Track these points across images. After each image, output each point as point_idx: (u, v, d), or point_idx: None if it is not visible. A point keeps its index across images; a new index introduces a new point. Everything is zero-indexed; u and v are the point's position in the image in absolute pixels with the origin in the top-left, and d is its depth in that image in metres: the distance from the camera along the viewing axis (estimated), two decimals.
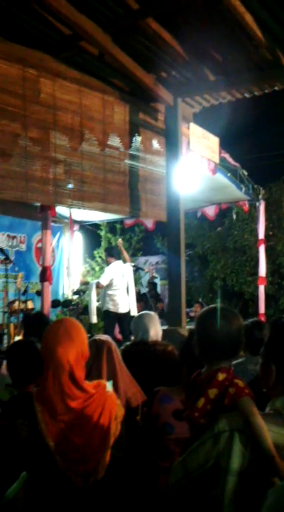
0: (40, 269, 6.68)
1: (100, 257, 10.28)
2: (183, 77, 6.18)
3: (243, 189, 8.20)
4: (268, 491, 1.59)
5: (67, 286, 9.67)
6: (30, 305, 7.35)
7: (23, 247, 9.05)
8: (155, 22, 5.08)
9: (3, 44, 4.69)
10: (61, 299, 9.02)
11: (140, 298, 9.86)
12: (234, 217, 10.78)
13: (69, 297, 8.96)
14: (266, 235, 9.17)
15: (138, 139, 6.32)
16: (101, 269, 9.29)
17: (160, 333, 3.57)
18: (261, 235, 8.85)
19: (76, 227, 9.98)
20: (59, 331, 1.91)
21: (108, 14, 4.95)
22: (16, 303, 7.08)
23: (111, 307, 7.27)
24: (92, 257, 10.85)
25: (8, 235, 8.75)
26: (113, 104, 5.94)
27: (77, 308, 8.27)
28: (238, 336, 1.86)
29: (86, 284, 8.29)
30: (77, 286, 8.99)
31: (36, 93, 5.00)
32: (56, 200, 5.37)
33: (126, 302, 7.37)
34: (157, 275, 13.25)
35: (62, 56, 5.30)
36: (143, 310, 4.75)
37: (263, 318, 8.09)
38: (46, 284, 5.79)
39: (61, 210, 8.55)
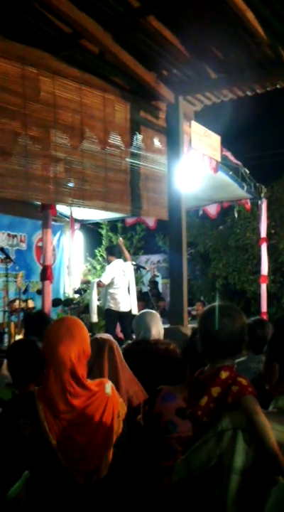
0: (40, 268, 6.67)
1: (101, 255, 10.27)
2: (184, 75, 6.16)
3: (245, 187, 8.18)
4: (271, 490, 1.58)
5: (68, 285, 9.67)
6: (30, 304, 7.35)
7: (24, 246, 9.04)
8: (156, 20, 5.05)
9: (3, 42, 4.67)
10: (62, 297, 9.02)
11: (142, 297, 9.84)
12: (236, 215, 10.75)
13: (70, 296, 8.95)
14: (268, 234, 9.16)
15: (139, 137, 6.30)
16: (102, 267, 9.27)
17: (162, 332, 3.57)
18: (263, 233, 8.84)
19: (77, 225, 9.98)
20: (61, 329, 1.91)
21: (109, 12, 4.93)
22: (17, 302, 7.08)
23: (112, 306, 7.26)
24: (93, 256, 10.84)
25: (9, 234, 8.74)
26: (113, 102, 5.92)
27: (78, 307, 8.26)
28: (241, 333, 1.85)
29: (87, 283, 8.28)
30: (78, 285, 8.98)
31: (36, 91, 4.98)
32: (57, 198, 5.36)
33: (127, 301, 7.37)
34: (158, 274, 13.24)
35: (63, 54, 5.27)
36: (145, 309, 4.73)
37: (265, 317, 8.07)
38: (47, 282, 5.77)
39: (62, 208, 8.55)
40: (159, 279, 13.02)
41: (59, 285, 9.58)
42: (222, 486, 1.62)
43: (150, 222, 9.17)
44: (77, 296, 8.65)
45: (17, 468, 1.81)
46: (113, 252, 7.57)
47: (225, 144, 7.05)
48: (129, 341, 4.69)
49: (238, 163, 7.85)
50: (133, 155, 6.25)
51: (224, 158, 7.18)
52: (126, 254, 7.80)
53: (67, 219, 9.63)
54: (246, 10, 4.73)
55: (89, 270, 10.20)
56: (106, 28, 5.02)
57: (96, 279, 7.66)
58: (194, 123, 6.41)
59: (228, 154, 7.54)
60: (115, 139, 5.95)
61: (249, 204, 9.09)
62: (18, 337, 6.21)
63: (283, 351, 1.72)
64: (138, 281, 10.82)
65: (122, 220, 10.11)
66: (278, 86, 6.17)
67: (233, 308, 1.92)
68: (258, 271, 9.23)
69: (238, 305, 11.38)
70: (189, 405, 1.82)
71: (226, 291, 12.98)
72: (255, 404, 1.66)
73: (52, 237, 7.40)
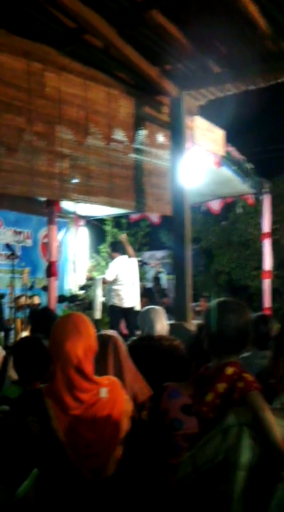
0: (46, 264, 6.69)
1: (106, 251, 10.27)
2: (188, 70, 6.13)
3: (248, 182, 8.15)
4: (277, 485, 1.59)
5: (73, 281, 9.68)
6: (36, 300, 7.36)
7: (29, 242, 9.05)
8: (160, 14, 5.03)
9: (8, 38, 4.67)
10: (67, 294, 9.03)
11: (146, 293, 9.85)
12: (239, 211, 10.71)
13: (75, 292, 8.96)
14: (271, 229, 9.12)
15: (143, 132, 6.29)
16: (107, 264, 9.28)
17: (166, 328, 3.56)
18: (266, 228, 8.80)
19: (81, 222, 9.98)
20: (68, 325, 1.90)
21: (113, 6, 4.90)
22: (23, 298, 7.09)
23: (116, 302, 7.27)
24: (98, 252, 10.84)
25: (15, 231, 8.75)
26: (118, 97, 5.91)
27: (83, 303, 8.27)
28: (246, 329, 1.85)
29: (91, 279, 8.29)
30: (83, 282, 8.99)
31: (41, 87, 4.98)
32: (62, 194, 5.36)
33: (131, 297, 7.37)
34: (162, 270, 13.23)
35: (67, 49, 5.26)
36: (149, 305, 4.74)
37: (268, 312, 8.06)
38: (52, 279, 5.79)
39: (66, 205, 8.54)
40: (163, 275, 13.00)
41: (64, 281, 9.59)
42: (228, 482, 1.62)
43: (155, 218, 9.15)
44: (82, 292, 8.67)
45: (26, 466, 1.81)
46: (117, 248, 7.57)
47: (228, 138, 7.02)
48: (134, 337, 4.69)
49: (241, 157, 7.82)
50: (137, 150, 6.24)
51: (227, 153, 7.15)
52: (130, 250, 7.80)
53: (72, 215, 9.63)
54: (249, 4, 4.71)
55: (94, 266, 10.20)
56: (111, 22, 5.00)
57: (101, 276, 7.66)
58: (197, 118, 6.38)
59: (232, 149, 7.51)
60: (119, 135, 5.94)
61: (252, 199, 9.06)
62: (24, 333, 6.23)
63: None
64: (142, 277, 10.83)
65: (126, 216, 10.10)
66: (281, 80, 6.13)
67: (238, 303, 1.91)
68: (261, 266, 9.20)
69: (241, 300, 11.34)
70: (194, 402, 1.83)
71: (230, 287, 12.98)
72: (261, 400, 1.66)
73: (57, 233, 7.43)
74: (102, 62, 5.68)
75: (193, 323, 6.03)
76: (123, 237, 8.38)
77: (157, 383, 2.68)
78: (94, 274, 9.18)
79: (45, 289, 6.82)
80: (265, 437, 1.60)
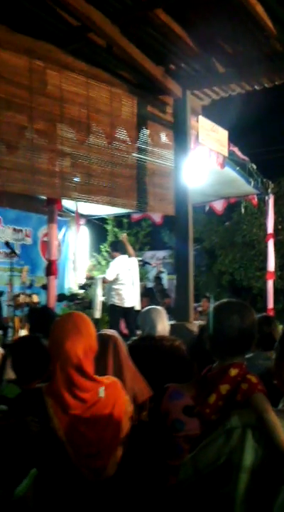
0: (45, 262, 6.67)
1: (106, 251, 10.26)
2: (192, 69, 6.10)
3: (252, 183, 8.13)
4: (280, 488, 1.56)
5: (73, 280, 9.67)
6: (35, 299, 7.34)
7: (29, 240, 9.04)
8: (164, 13, 5.00)
9: (11, 35, 4.64)
10: (67, 293, 9.02)
11: (147, 293, 9.83)
12: (243, 211, 10.69)
13: (75, 291, 8.95)
14: (275, 230, 9.11)
15: (145, 132, 6.26)
16: (108, 263, 9.27)
17: (168, 328, 3.54)
18: (270, 229, 8.79)
19: (82, 221, 9.97)
20: (68, 324, 1.89)
21: (117, 5, 4.88)
22: (21, 296, 7.08)
23: (116, 301, 7.25)
24: (98, 252, 10.83)
25: (14, 229, 8.74)
26: (121, 96, 5.88)
27: (82, 302, 8.26)
28: (251, 330, 1.82)
29: (91, 278, 8.27)
30: (82, 281, 8.97)
31: (43, 85, 4.95)
32: (62, 193, 5.33)
33: (131, 296, 7.36)
34: (164, 270, 13.20)
35: (70, 48, 5.23)
36: (150, 305, 4.71)
37: (271, 313, 8.04)
38: (52, 277, 5.78)
39: (67, 203, 8.53)
40: (164, 275, 12.98)
41: (64, 280, 9.58)
42: (231, 485, 1.61)
43: (157, 217, 9.13)
44: (81, 291, 8.65)
45: (24, 466, 1.79)
46: (118, 247, 7.56)
47: (232, 139, 7.00)
48: (134, 337, 4.67)
49: (245, 158, 7.80)
50: (140, 150, 6.21)
51: (230, 153, 7.13)
52: (130, 250, 7.78)
53: (73, 214, 9.62)
54: (256, 3, 4.68)
55: (94, 265, 10.19)
56: (114, 21, 4.97)
57: (101, 276, 7.64)
58: (201, 118, 6.36)
59: (236, 149, 7.49)
60: (122, 134, 5.91)
61: (256, 200, 9.04)
62: (22, 332, 6.21)
63: None
64: (144, 277, 10.80)
65: (128, 216, 10.08)
66: None
67: (242, 304, 1.89)
68: (265, 267, 9.19)
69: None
70: (197, 403, 1.80)
71: (232, 288, 12.95)
72: (265, 402, 1.64)
73: (57, 232, 7.41)
74: (105, 60, 5.65)
75: (195, 324, 6.00)
76: (123, 236, 8.36)
77: (157, 384, 2.66)
78: (94, 273, 9.17)
79: (45, 287, 6.80)
80: (269, 439, 1.58)
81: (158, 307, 3.73)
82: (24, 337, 3.02)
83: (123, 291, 7.26)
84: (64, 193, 5.35)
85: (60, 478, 1.78)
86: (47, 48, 4.98)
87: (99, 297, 7.45)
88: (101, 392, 1.88)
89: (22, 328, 6.46)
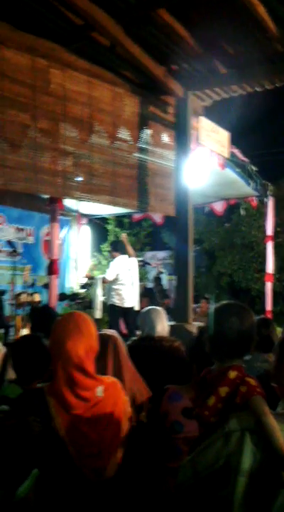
0: (47, 262, 6.67)
1: (107, 251, 10.26)
2: (194, 70, 6.10)
3: (252, 185, 8.13)
4: (279, 491, 1.57)
5: (74, 279, 9.67)
6: (37, 298, 7.35)
7: (31, 239, 9.04)
8: (167, 13, 5.00)
9: (14, 33, 4.64)
10: (68, 292, 9.02)
11: (147, 293, 9.83)
12: (242, 213, 10.69)
13: (76, 291, 8.95)
14: (274, 232, 9.10)
15: (147, 132, 6.26)
16: (109, 263, 9.27)
17: (167, 329, 3.54)
18: (269, 231, 8.78)
19: (84, 220, 9.97)
20: (69, 324, 1.89)
21: (120, 4, 4.88)
22: (23, 295, 7.08)
23: (116, 302, 7.24)
24: (100, 251, 10.83)
25: (17, 228, 8.74)
26: (123, 96, 5.88)
27: (83, 302, 8.26)
28: (250, 333, 1.82)
29: (91, 278, 8.27)
30: (84, 280, 8.98)
31: (46, 83, 4.95)
32: (64, 192, 5.33)
33: (131, 297, 7.35)
34: (164, 270, 13.20)
35: (73, 46, 5.23)
36: (149, 305, 4.71)
37: (269, 316, 8.04)
38: (53, 277, 5.77)
39: (69, 203, 8.53)
40: (164, 276, 12.99)
41: (65, 280, 9.58)
42: (229, 488, 1.61)
43: (157, 218, 9.13)
44: (82, 291, 8.65)
45: (26, 466, 1.79)
46: (118, 247, 7.55)
47: (232, 140, 7.00)
48: (134, 337, 4.67)
49: (246, 160, 7.80)
50: (141, 150, 6.21)
51: (231, 154, 7.13)
52: (130, 250, 7.78)
53: (75, 213, 9.62)
54: (258, 5, 4.67)
55: (95, 265, 10.19)
56: (118, 20, 4.97)
57: (101, 276, 7.64)
58: (202, 118, 6.35)
59: (236, 151, 7.49)
60: (123, 134, 5.91)
61: (255, 201, 9.04)
62: (24, 331, 6.21)
63: None
64: (143, 277, 10.80)
65: (129, 216, 10.08)
66: None
67: (242, 307, 1.89)
68: (264, 269, 9.18)
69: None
70: (196, 405, 1.80)
71: (231, 289, 12.95)
72: (263, 405, 1.64)
73: (59, 231, 7.41)
74: (108, 60, 5.65)
75: (194, 325, 6.00)
76: (123, 236, 8.37)
77: (156, 384, 2.66)
78: (95, 273, 9.17)
79: (46, 286, 6.80)
80: (267, 442, 1.58)
81: (158, 308, 3.72)
82: (25, 336, 3.02)
83: (123, 292, 7.26)
84: (67, 192, 5.35)
85: (62, 478, 1.78)
86: (50, 46, 4.98)
87: (99, 297, 7.44)
88: (100, 391, 1.88)
89: (23, 327, 6.46)
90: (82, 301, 8.26)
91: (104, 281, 7.33)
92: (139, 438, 2.26)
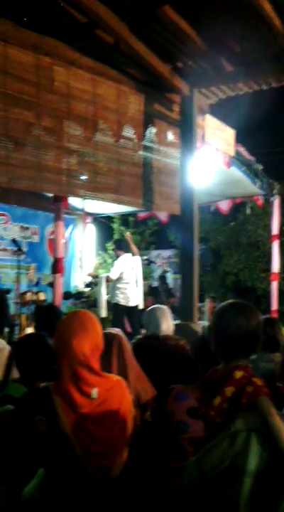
0: (52, 260, 6.66)
1: (112, 249, 10.25)
2: (200, 68, 6.06)
3: (258, 183, 8.09)
4: None
5: (79, 278, 9.67)
6: (41, 296, 7.34)
7: (36, 238, 9.05)
8: (172, 10, 4.96)
9: (18, 31, 4.62)
10: (73, 291, 9.01)
11: (152, 292, 9.81)
12: (248, 211, 10.64)
13: (81, 289, 8.94)
14: (280, 231, 9.05)
15: (152, 130, 6.23)
16: (113, 262, 9.27)
17: (172, 328, 3.53)
18: (275, 230, 8.74)
19: (89, 219, 9.96)
20: (74, 322, 1.89)
21: (125, 2, 4.85)
22: (28, 294, 7.08)
23: (121, 300, 7.23)
24: (105, 250, 10.82)
25: (22, 227, 8.75)
26: (128, 94, 5.85)
27: (88, 300, 8.25)
28: (256, 332, 1.80)
29: (95, 277, 8.26)
30: (88, 279, 8.97)
31: (50, 81, 4.93)
32: (69, 190, 5.31)
33: (135, 295, 7.34)
34: (169, 269, 13.17)
35: (77, 44, 5.21)
36: (155, 304, 4.69)
37: (275, 315, 8.00)
38: (58, 275, 5.76)
39: (74, 201, 8.52)
40: (169, 274, 12.96)
41: (70, 278, 9.58)
42: (235, 489, 1.59)
43: (163, 216, 9.11)
44: (87, 289, 8.65)
45: (32, 466, 1.78)
46: (121, 246, 7.54)
47: (238, 139, 6.96)
48: (139, 336, 4.65)
49: (252, 158, 7.76)
50: (146, 148, 6.18)
51: (237, 153, 7.09)
52: (134, 248, 7.77)
53: (80, 212, 9.61)
54: (264, 1, 4.63)
55: (101, 264, 10.18)
56: (122, 17, 4.94)
57: (105, 274, 7.63)
58: (208, 116, 6.32)
59: (242, 149, 7.45)
60: (128, 132, 5.88)
61: (261, 200, 8.99)
62: (29, 329, 6.21)
63: None
64: (148, 276, 10.78)
65: (134, 215, 10.06)
66: None
67: (248, 306, 1.87)
68: (269, 268, 9.14)
69: None
70: (201, 405, 1.78)
71: (237, 288, 12.88)
72: (270, 406, 1.62)
73: (64, 230, 7.40)
74: (112, 57, 5.62)
75: (199, 324, 5.97)
76: (127, 235, 8.35)
77: (161, 383, 2.64)
78: (100, 271, 9.16)
79: (51, 285, 6.79)
80: (274, 443, 1.56)
81: (163, 306, 3.72)
82: (28, 335, 3.01)
83: (127, 290, 7.24)
84: (71, 190, 5.33)
85: (68, 477, 1.77)
86: (54, 44, 4.96)
87: (104, 296, 7.43)
88: (94, 393, 1.87)
89: (28, 325, 6.46)
90: (86, 300, 8.25)
91: (108, 279, 7.31)
92: (144, 437, 2.24)
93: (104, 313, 7.36)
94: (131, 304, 7.26)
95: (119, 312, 7.28)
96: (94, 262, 10.18)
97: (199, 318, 6.61)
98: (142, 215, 9.50)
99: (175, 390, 2.49)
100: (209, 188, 7.18)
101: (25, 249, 8.09)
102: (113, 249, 9.97)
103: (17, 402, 2.02)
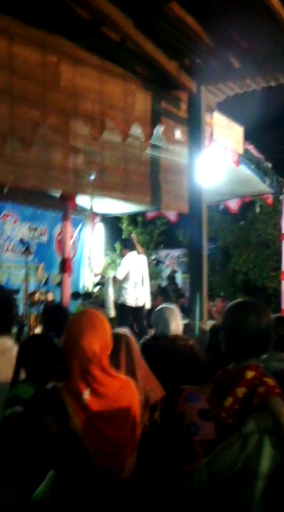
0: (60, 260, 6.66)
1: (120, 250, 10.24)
2: (207, 65, 6.00)
3: (267, 182, 8.01)
4: None
5: (87, 278, 9.65)
6: (50, 296, 7.34)
7: (44, 238, 9.04)
8: (179, 7, 4.91)
9: (24, 29, 4.60)
10: (81, 291, 9.00)
11: (161, 292, 9.77)
12: (257, 210, 10.57)
13: (90, 289, 8.93)
14: None
15: (159, 128, 6.18)
16: (120, 262, 9.25)
17: (181, 328, 3.50)
18: None
19: (97, 219, 9.95)
20: (83, 322, 1.89)
21: None
22: (37, 294, 7.08)
23: (127, 300, 7.20)
24: (113, 250, 10.81)
25: (30, 226, 8.75)
26: (134, 92, 5.80)
27: (97, 301, 8.23)
28: (267, 331, 1.76)
29: (102, 277, 8.25)
30: (97, 279, 8.96)
31: (56, 80, 4.90)
32: (76, 189, 5.30)
33: (142, 295, 7.31)
34: (178, 269, 13.13)
35: (83, 42, 5.17)
36: (164, 304, 4.65)
37: None
38: (66, 275, 5.75)
39: (82, 201, 8.51)
40: (178, 274, 12.91)
41: (79, 278, 9.57)
42: (247, 491, 1.56)
43: (171, 216, 9.06)
44: (96, 289, 8.63)
45: (42, 468, 1.75)
46: (127, 245, 7.54)
47: (247, 136, 6.89)
48: (146, 336, 4.62)
49: (261, 156, 7.69)
50: (154, 146, 6.14)
51: (245, 151, 7.02)
52: (139, 249, 7.75)
53: (88, 212, 9.60)
54: None
55: (109, 264, 10.17)
56: (128, 14, 4.90)
57: (112, 275, 7.61)
58: (216, 114, 6.26)
59: (251, 147, 7.38)
60: (135, 130, 5.83)
61: (271, 199, 8.91)
62: (38, 329, 6.20)
63: None
64: (157, 276, 10.74)
65: (142, 214, 10.03)
66: None
67: (258, 304, 1.83)
68: (280, 267, 9.07)
69: None
70: (212, 406, 1.74)
71: (246, 288, 12.82)
72: (282, 407, 1.58)
73: (72, 230, 7.39)
74: (119, 55, 5.58)
75: (209, 324, 5.91)
76: (133, 235, 8.33)
77: (170, 384, 2.61)
78: (108, 271, 9.14)
79: (60, 285, 6.79)
80: None
81: (172, 306, 3.69)
82: (34, 336, 2.98)
83: (134, 290, 7.22)
84: (78, 189, 5.31)
85: (80, 478, 1.75)
86: (60, 42, 4.93)
87: (111, 296, 7.41)
88: (86, 394, 1.85)
89: (37, 326, 6.45)
90: (95, 300, 8.23)
91: (115, 280, 7.29)
92: (153, 439, 2.20)
93: (112, 313, 7.33)
94: (138, 303, 7.23)
95: (126, 312, 7.24)
96: (103, 262, 10.16)
97: (209, 318, 6.56)
98: (150, 214, 9.46)
99: (186, 391, 2.44)
100: (217, 187, 7.12)
101: (33, 249, 8.09)
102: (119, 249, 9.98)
103: (26, 403, 2.00)
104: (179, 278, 12.54)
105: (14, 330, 6.43)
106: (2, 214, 8.35)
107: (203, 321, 5.96)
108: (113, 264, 10.14)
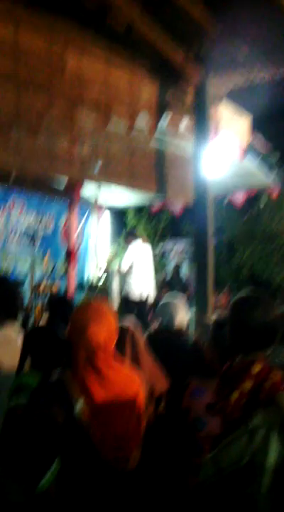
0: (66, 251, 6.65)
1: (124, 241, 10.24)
2: (215, 54, 5.92)
3: (273, 175, 7.94)
4: None
5: (93, 269, 9.64)
6: (55, 287, 7.35)
7: (50, 229, 9.02)
8: None
9: (29, 17, 4.55)
10: (86, 282, 9.00)
11: (166, 284, 9.76)
12: (263, 203, 10.50)
13: (95, 281, 8.92)
14: None
15: (166, 117, 6.11)
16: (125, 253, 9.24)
17: (186, 320, 3.48)
18: None
19: (103, 211, 9.91)
20: (88, 311, 1.90)
21: None
22: (42, 285, 7.10)
23: (131, 292, 7.19)
24: (118, 242, 10.79)
25: (36, 217, 8.73)
26: (140, 81, 5.74)
27: (102, 291, 8.23)
28: (274, 325, 1.74)
29: (108, 269, 8.25)
30: (102, 270, 8.96)
31: (62, 68, 4.86)
32: (81, 178, 5.29)
33: (146, 287, 7.30)
34: (183, 261, 13.11)
35: (89, 30, 5.12)
36: (169, 296, 4.63)
37: None
38: (71, 266, 5.73)
39: (88, 192, 8.48)
40: (184, 266, 12.89)
41: (84, 269, 9.56)
42: (254, 486, 1.55)
43: (177, 208, 9.00)
44: (101, 281, 8.63)
45: (48, 458, 1.75)
46: (130, 236, 7.52)
47: (255, 126, 6.83)
48: (150, 329, 4.61)
49: (268, 147, 7.61)
50: (159, 136, 6.08)
51: (252, 143, 6.96)
52: (142, 241, 7.72)
53: (93, 204, 9.56)
54: None
55: (114, 256, 10.15)
56: (134, 2, 4.84)
57: (116, 266, 7.61)
58: (223, 104, 6.20)
59: (258, 139, 7.31)
60: (141, 120, 5.78)
61: (277, 192, 8.84)
62: (43, 320, 6.21)
63: None
64: (162, 268, 10.72)
65: (147, 208, 9.99)
66: None
67: (265, 297, 1.81)
68: None
69: None
70: (218, 400, 1.72)
71: (252, 282, 12.78)
72: None
73: (77, 220, 7.36)
74: (125, 44, 5.51)
75: (214, 317, 5.88)
76: (136, 230, 8.32)
77: (175, 377, 2.60)
78: (113, 263, 9.14)
79: (65, 275, 6.79)
80: None
81: (177, 299, 3.66)
82: (37, 327, 2.98)
83: (137, 282, 7.21)
84: (84, 176, 5.28)
85: (86, 468, 1.76)
86: (66, 29, 4.88)
87: (115, 288, 7.42)
88: (91, 384, 1.85)
89: (42, 316, 6.46)
90: (100, 291, 8.23)
91: (119, 271, 7.29)
92: (158, 431, 2.19)
93: (116, 305, 7.33)
94: (141, 295, 7.22)
95: (129, 304, 7.23)
96: (108, 253, 10.16)
97: (214, 311, 6.53)
98: (155, 207, 9.41)
99: (192, 385, 2.42)
100: (223, 180, 7.05)
101: (39, 239, 8.09)
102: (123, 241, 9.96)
103: (31, 393, 1.99)
104: (185, 269, 12.51)
105: (19, 320, 6.46)
106: (8, 204, 8.34)
107: (208, 314, 5.94)
108: (118, 257, 10.13)
